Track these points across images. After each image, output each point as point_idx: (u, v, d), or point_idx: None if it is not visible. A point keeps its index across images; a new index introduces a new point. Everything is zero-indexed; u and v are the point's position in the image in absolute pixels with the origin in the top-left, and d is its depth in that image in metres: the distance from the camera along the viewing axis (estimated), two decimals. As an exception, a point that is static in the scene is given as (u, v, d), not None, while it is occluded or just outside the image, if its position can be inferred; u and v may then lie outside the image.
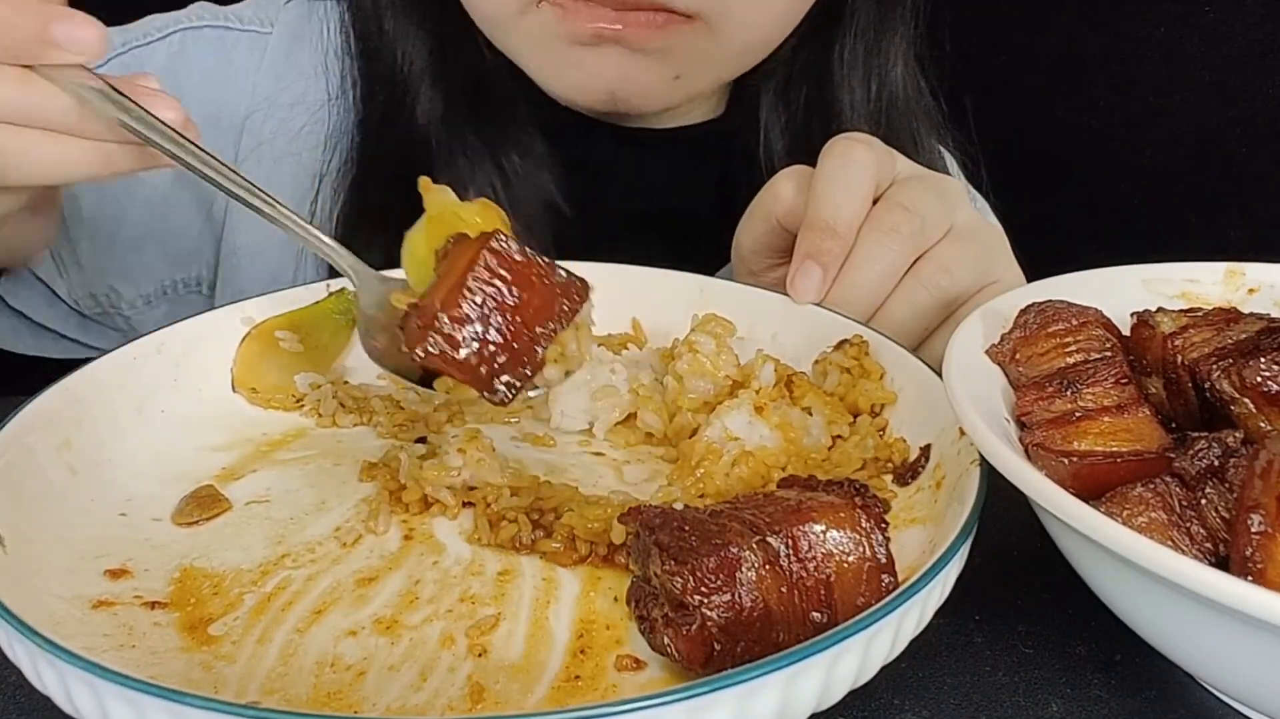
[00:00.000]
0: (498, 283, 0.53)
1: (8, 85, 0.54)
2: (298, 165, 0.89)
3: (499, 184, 0.88)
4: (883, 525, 0.45)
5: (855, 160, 0.68)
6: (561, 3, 0.78)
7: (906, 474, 0.56)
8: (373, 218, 0.85)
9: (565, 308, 0.55)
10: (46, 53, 0.53)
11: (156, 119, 0.55)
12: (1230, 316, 0.53)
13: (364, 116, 0.89)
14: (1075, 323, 0.54)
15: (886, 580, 0.44)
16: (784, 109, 0.94)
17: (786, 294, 0.67)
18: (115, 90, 0.55)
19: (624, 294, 0.71)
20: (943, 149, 0.98)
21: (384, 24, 0.88)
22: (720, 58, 0.84)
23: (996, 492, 0.48)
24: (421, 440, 0.61)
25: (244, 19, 0.94)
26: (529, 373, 0.54)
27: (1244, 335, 0.51)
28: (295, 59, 0.91)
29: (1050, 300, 0.55)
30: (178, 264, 0.94)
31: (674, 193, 0.95)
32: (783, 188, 0.72)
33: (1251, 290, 0.62)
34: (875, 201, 0.69)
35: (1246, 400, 0.49)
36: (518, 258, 0.53)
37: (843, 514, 0.45)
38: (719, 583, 0.42)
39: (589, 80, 0.83)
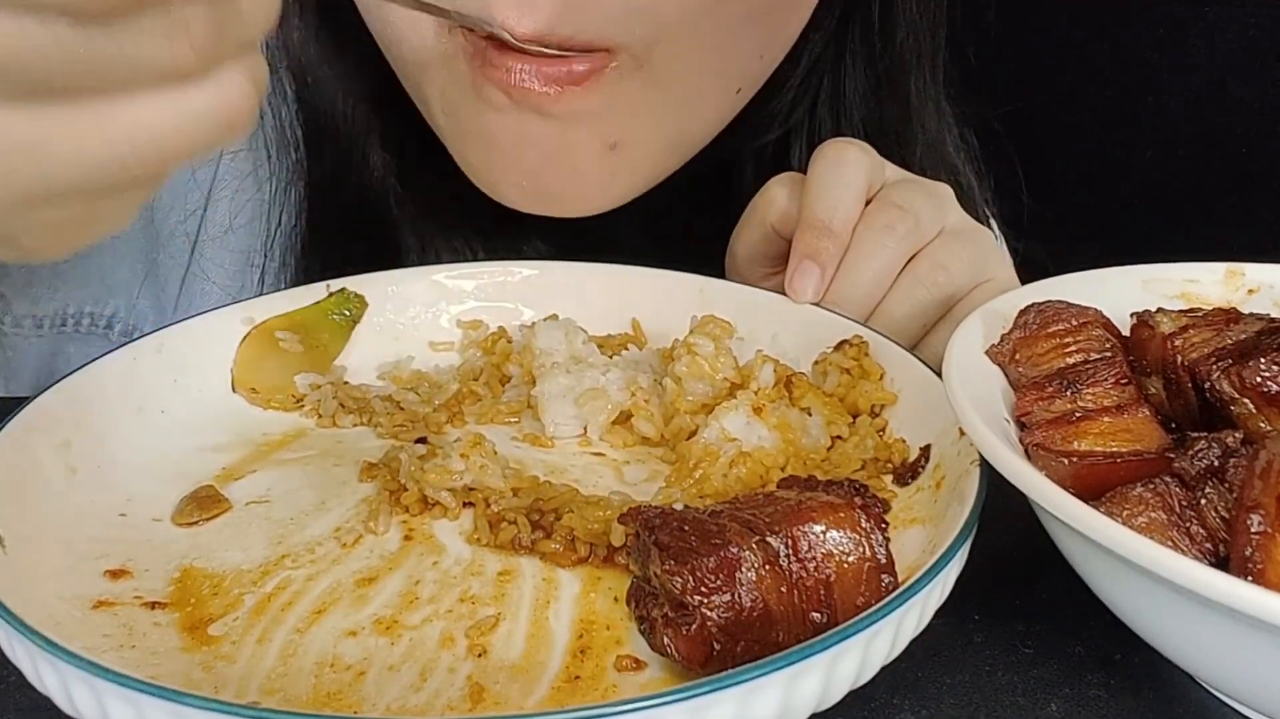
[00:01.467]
0: None
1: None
2: (240, 224, 0.81)
3: (472, 235, 0.80)
4: (883, 525, 0.45)
5: (848, 161, 0.69)
6: (473, 45, 0.65)
7: (906, 474, 0.56)
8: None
9: None
10: None
11: None
12: (1230, 317, 0.53)
13: (311, 173, 0.79)
14: (1075, 323, 0.54)
15: (886, 580, 0.44)
16: (787, 156, 0.85)
17: (785, 295, 0.67)
18: None
19: (624, 294, 0.71)
20: (989, 214, 0.91)
21: (316, 74, 0.78)
22: (661, 110, 0.70)
23: (996, 492, 0.48)
24: (422, 441, 0.61)
25: None
26: None
27: (1244, 335, 0.51)
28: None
29: (1050, 300, 0.55)
30: (94, 294, 0.81)
31: (659, 234, 0.85)
32: (775, 194, 0.72)
33: (1251, 290, 0.62)
34: (868, 204, 0.69)
35: (1246, 400, 0.49)
36: None
37: (843, 514, 0.45)
38: (719, 583, 0.42)
39: (506, 158, 0.70)
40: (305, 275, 0.80)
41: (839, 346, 0.63)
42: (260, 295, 0.68)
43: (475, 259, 0.82)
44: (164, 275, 0.83)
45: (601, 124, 0.68)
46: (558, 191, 0.71)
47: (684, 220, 0.87)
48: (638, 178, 0.74)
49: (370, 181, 0.79)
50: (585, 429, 0.63)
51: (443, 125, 0.73)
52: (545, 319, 0.68)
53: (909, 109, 0.86)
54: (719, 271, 0.77)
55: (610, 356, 0.66)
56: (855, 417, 0.60)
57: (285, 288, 0.77)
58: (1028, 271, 0.74)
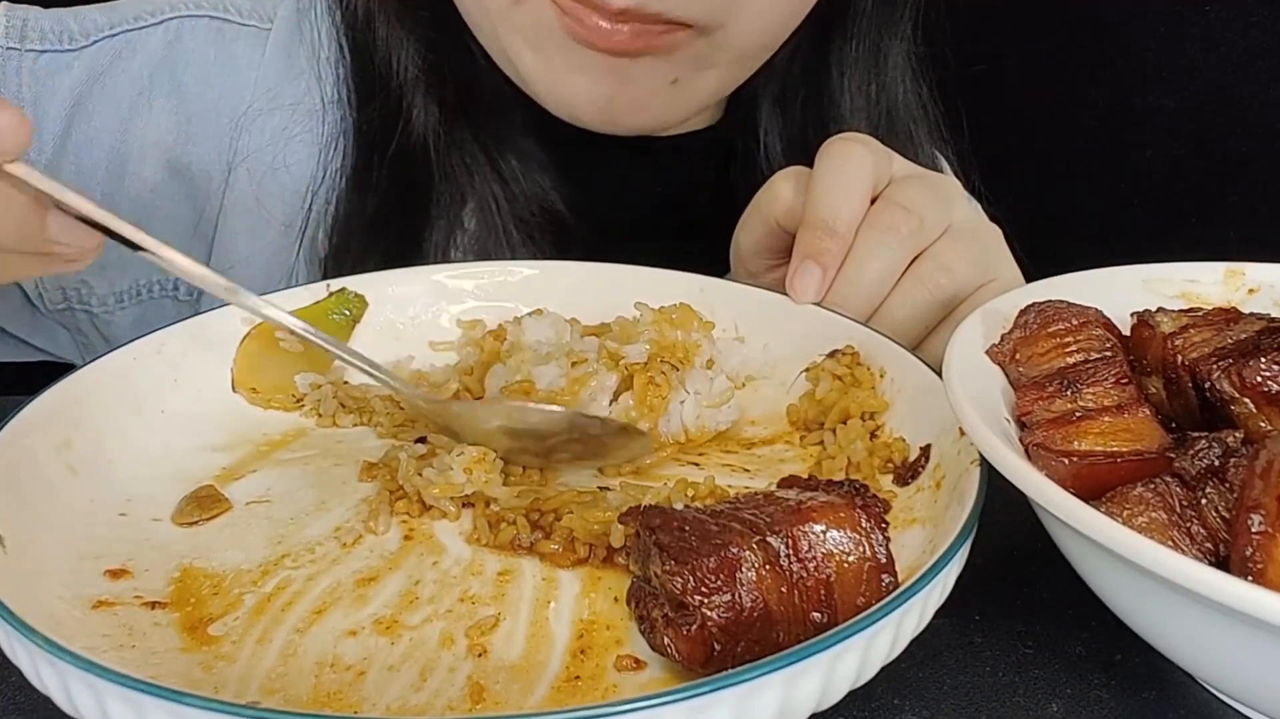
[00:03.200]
0: None
1: None
2: (288, 176, 0.87)
3: (498, 190, 0.86)
4: (883, 525, 0.45)
5: (853, 160, 0.68)
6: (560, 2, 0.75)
7: (906, 474, 0.56)
8: (367, 229, 0.84)
9: None
10: None
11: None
12: (1230, 316, 0.53)
13: (358, 125, 0.86)
14: (1075, 323, 0.54)
15: (886, 580, 0.44)
16: (782, 114, 0.92)
17: (786, 294, 0.67)
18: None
19: (624, 293, 0.71)
20: (939, 154, 0.97)
21: (375, 31, 0.86)
22: (718, 63, 0.82)
23: (996, 492, 0.48)
24: (421, 440, 0.61)
25: (243, 12, 0.90)
26: None
27: (1244, 335, 0.51)
28: (294, 58, 0.89)
29: (1050, 300, 0.55)
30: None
31: (673, 198, 0.94)
32: (780, 188, 0.72)
33: (1251, 290, 0.62)
34: (873, 201, 0.69)
35: (1246, 400, 0.49)
36: None
37: (843, 514, 0.45)
38: (719, 583, 0.42)
39: (585, 87, 0.80)
40: (347, 224, 0.86)
41: (831, 355, 0.63)
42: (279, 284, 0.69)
43: (498, 211, 0.87)
44: (208, 233, 0.90)
45: (667, 67, 0.79)
46: (625, 115, 0.82)
47: (686, 191, 0.93)
48: (691, 107, 0.86)
49: (413, 132, 0.85)
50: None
51: (519, 63, 0.82)
52: (530, 314, 0.68)
53: (881, 73, 0.92)
54: (722, 259, 0.78)
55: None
56: (845, 421, 0.60)
57: (329, 237, 0.85)
58: (1026, 271, 0.74)
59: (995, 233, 0.75)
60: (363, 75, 0.87)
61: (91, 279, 0.89)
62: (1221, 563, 0.43)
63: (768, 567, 0.43)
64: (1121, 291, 0.60)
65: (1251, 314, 0.54)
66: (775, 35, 0.83)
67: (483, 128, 0.87)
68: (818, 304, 0.66)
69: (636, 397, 0.60)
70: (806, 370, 0.64)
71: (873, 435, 0.59)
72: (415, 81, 0.85)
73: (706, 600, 0.42)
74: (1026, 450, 0.49)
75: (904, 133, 0.93)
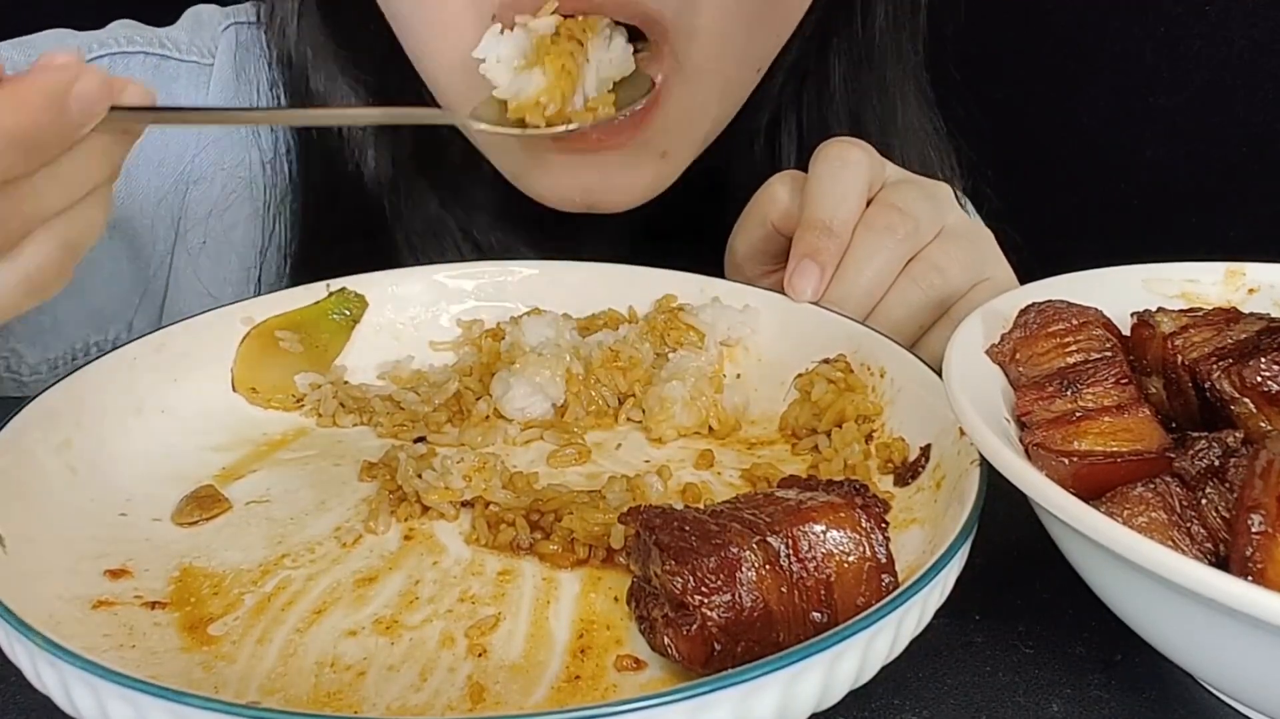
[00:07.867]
0: None
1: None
2: (230, 248, 0.82)
3: (465, 249, 0.82)
4: (883, 525, 0.45)
5: (849, 162, 0.69)
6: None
7: (906, 474, 0.56)
8: None
9: None
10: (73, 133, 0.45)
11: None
12: (1230, 316, 0.53)
13: (305, 185, 0.80)
14: (1075, 323, 0.54)
15: (886, 580, 0.44)
16: (781, 137, 0.88)
17: (784, 294, 0.67)
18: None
19: (624, 293, 0.71)
20: (941, 166, 0.92)
21: (313, 84, 0.79)
22: (703, 109, 0.75)
23: (996, 492, 0.48)
24: (421, 440, 0.61)
25: (181, 47, 0.83)
26: None
27: (1244, 335, 0.51)
28: (240, 96, 0.82)
29: (1050, 300, 0.55)
30: (96, 324, 0.84)
31: (657, 235, 0.87)
32: (777, 191, 0.72)
33: (1251, 290, 0.62)
34: (868, 204, 0.69)
35: (1246, 400, 0.49)
36: None
37: (843, 514, 0.45)
38: (719, 583, 0.42)
39: (563, 181, 0.74)
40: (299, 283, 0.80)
41: (823, 363, 0.63)
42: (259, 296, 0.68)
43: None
44: (158, 294, 0.85)
45: (652, 141, 0.73)
46: (611, 201, 0.76)
47: (677, 219, 0.88)
48: (678, 171, 0.78)
49: (364, 190, 0.80)
50: (553, 405, 0.63)
51: (486, 147, 0.76)
52: (528, 313, 0.68)
53: (887, 93, 0.88)
54: (719, 269, 0.77)
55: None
56: (841, 424, 0.60)
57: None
58: (1026, 271, 0.74)
59: (987, 235, 0.75)
60: (305, 131, 0.81)
61: (23, 348, 0.83)
62: (1221, 563, 0.43)
63: (768, 567, 0.43)
64: (1121, 291, 0.60)
65: (1251, 314, 0.54)
66: (748, 52, 0.76)
67: (443, 183, 0.81)
68: (815, 303, 0.66)
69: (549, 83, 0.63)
70: (798, 377, 0.64)
71: (868, 439, 0.59)
72: (363, 135, 0.79)
73: (706, 600, 0.42)
74: (1026, 450, 0.49)
75: (915, 157, 0.88)
